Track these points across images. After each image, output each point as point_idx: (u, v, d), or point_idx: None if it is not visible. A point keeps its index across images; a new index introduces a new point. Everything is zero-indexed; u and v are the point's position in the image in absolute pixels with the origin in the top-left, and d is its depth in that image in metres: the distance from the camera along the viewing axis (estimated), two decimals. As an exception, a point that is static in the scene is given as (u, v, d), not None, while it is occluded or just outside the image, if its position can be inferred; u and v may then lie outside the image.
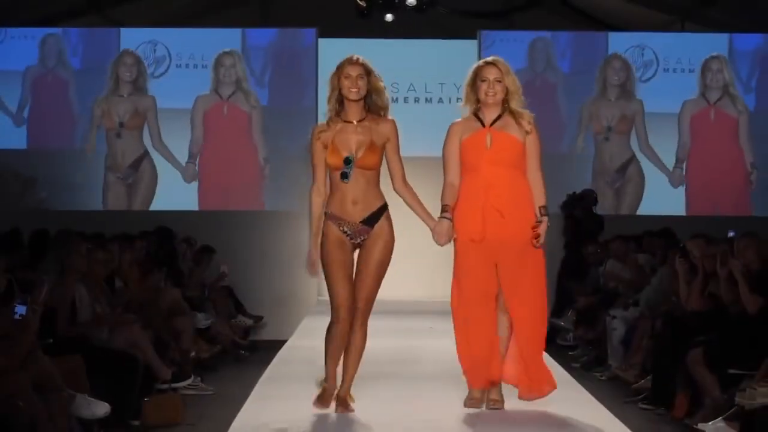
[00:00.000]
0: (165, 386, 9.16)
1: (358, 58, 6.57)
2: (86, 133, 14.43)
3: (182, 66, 14.52)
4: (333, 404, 6.58)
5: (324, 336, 6.59)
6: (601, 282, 12.33)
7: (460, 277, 6.64)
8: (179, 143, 14.46)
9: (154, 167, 14.45)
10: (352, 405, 6.56)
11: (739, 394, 7.20)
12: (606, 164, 14.48)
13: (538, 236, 6.45)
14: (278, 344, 10.54)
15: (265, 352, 11.21)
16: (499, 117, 6.62)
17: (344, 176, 6.40)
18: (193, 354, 10.37)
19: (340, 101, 6.55)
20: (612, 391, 9.67)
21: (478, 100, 6.63)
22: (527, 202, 6.56)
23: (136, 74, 14.41)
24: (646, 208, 14.43)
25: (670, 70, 14.56)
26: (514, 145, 6.57)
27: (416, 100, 14.39)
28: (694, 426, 7.84)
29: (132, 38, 14.49)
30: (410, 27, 14.15)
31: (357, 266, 6.56)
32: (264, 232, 13.83)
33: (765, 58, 14.49)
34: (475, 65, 6.74)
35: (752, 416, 7.04)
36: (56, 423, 6.59)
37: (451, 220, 6.49)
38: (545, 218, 6.50)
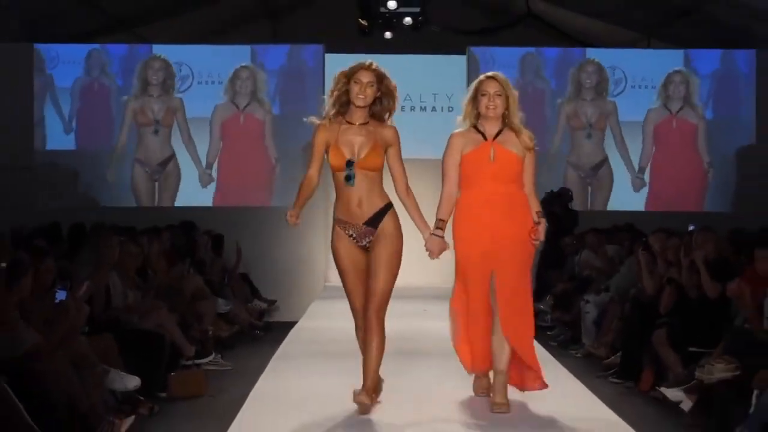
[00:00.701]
0: (189, 362, 9.14)
1: (371, 64, 6.05)
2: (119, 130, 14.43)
3: (203, 83, 14.49)
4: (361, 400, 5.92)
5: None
6: (576, 270, 12.32)
7: (466, 287, 6.20)
8: (200, 147, 14.46)
9: (179, 167, 14.45)
10: (372, 402, 5.97)
11: (698, 369, 7.19)
12: (583, 161, 14.45)
13: (537, 235, 6.11)
14: (289, 325, 10.55)
15: (278, 332, 11.21)
16: (500, 132, 6.17)
17: (348, 179, 5.86)
18: (211, 332, 10.34)
19: (345, 102, 6.02)
20: (585, 367, 9.65)
21: (478, 114, 6.18)
22: (523, 214, 6.14)
23: (163, 77, 14.37)
24: (614, 205, 14.41)
25: (637, 86, 14.54)
26: (515, 162, 6.11)
27: (412, 108, 14.33)
28: (657, 388, 7.85)
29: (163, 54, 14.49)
30: (407, 44, 14.11)
31: (368, 268, 5.99)
32: (275, 226, 13.74)
33: (719, 77, 14.45)
34: (476, 80, 6.28)
35: (710, 390, 7.04)
36: (91, 396, 6.58)
37: (443, 237, 6.06)
38: (543, 220, 6.16)
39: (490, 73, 6.27)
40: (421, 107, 14.40)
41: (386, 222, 5.96)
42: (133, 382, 7.49)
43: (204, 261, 12.03)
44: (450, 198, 6.16)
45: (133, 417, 7.05)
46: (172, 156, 14.41)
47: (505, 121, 6.16)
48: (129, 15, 14.79)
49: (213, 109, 14.45)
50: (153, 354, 8.23)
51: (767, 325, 7.15)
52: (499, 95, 6.09)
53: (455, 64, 14.30)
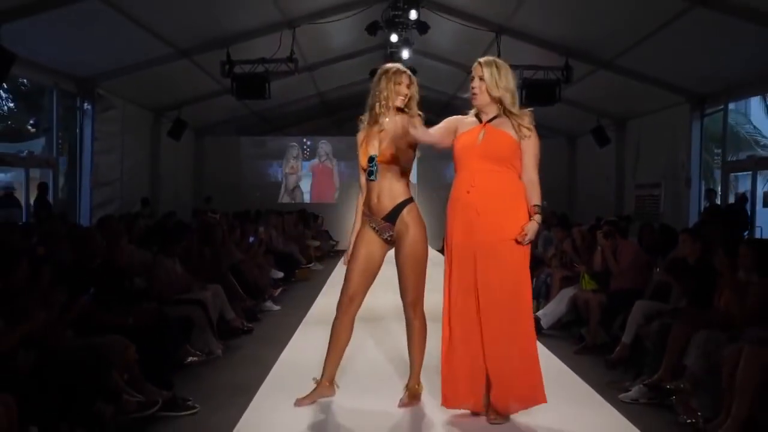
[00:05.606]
0: (303, 266, 9.11)
1: (405, 69, 2.86)
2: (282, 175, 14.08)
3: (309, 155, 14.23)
4: (404, 397, 2.94)
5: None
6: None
7: (451, 271, 2.78)
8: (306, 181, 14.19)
9: (301, 190, 14.16)
10: (421, 395, 2.95)
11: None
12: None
13: (522, 236, 2.63)
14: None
15: (339, 255, 11.24)
16: (495, 117, 2.75)
17: (370, 174, 2.86)
18: (312, 254, 10.37)
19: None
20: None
21: None
22: (512, 200, 2.68)
23: (297, 153, 14.20)
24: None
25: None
26: (505, 140, 2.69)
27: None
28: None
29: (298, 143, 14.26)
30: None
31: (396, 264, 2.90)
32: (339, 211, 13.62)
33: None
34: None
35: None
36: (263, 279, 6.68)
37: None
38: (536, 216, 2.65)
39: (481, 58, 2.77)
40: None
41: (405, 218, 2.85)
42: (279, 274, 7.52)
43: (311, 225, 12.09)
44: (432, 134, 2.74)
45: (280, 288, 7.17)
46: (297, 185, 14.28)
47: (500, 107, 2.75)
48: (280, 123, 14.60)
49: (309, 164, 14.14)
50: (288, 263, 8.25)
51: (539, 252, 7.19)
52: (481, 78, 2.71)
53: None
